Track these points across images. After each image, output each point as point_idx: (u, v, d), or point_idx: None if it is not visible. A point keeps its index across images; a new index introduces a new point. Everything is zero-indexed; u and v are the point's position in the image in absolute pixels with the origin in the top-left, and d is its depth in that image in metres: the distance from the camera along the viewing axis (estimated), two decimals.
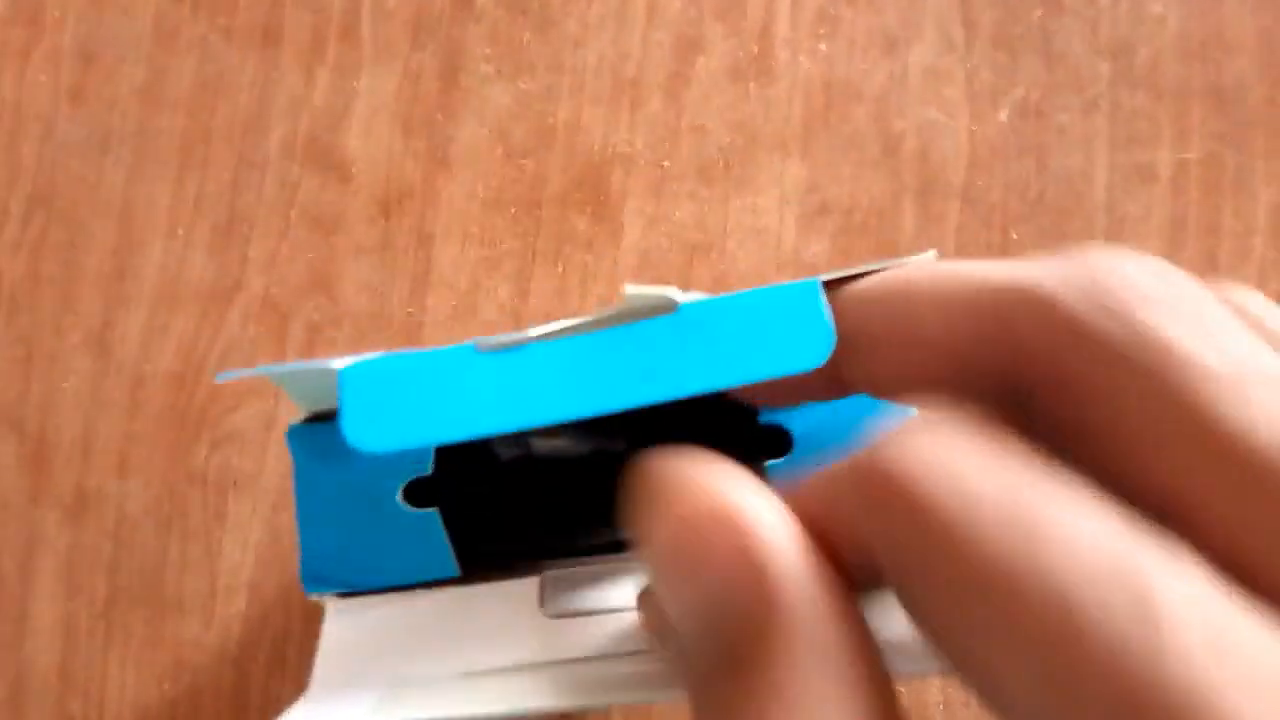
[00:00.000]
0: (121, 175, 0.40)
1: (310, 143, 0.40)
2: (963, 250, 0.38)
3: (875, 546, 0.12)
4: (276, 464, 0.38)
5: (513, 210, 0.39)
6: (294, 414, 0.39)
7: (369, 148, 0.39)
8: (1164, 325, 0.12)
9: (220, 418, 0.39)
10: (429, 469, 0.22)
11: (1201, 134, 0.39)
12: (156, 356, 0.39)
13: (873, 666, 0.12)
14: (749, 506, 0.12)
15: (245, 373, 0.23)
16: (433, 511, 0.21)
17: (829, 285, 0.17)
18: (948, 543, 0.11)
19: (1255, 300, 0.14)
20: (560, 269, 0.39)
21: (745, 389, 0.17)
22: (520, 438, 0.23)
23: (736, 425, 0.21)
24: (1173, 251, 0.38)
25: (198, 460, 0.39)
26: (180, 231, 0.40)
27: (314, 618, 0.38)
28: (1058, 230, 0.38)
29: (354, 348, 0.39)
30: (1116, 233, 0.38)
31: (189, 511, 0.38)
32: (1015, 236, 0.38)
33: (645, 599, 0.16)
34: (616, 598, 0.21)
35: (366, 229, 0.39)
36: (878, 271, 0.17)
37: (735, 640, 0.12)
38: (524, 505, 0.24)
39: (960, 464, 0.11)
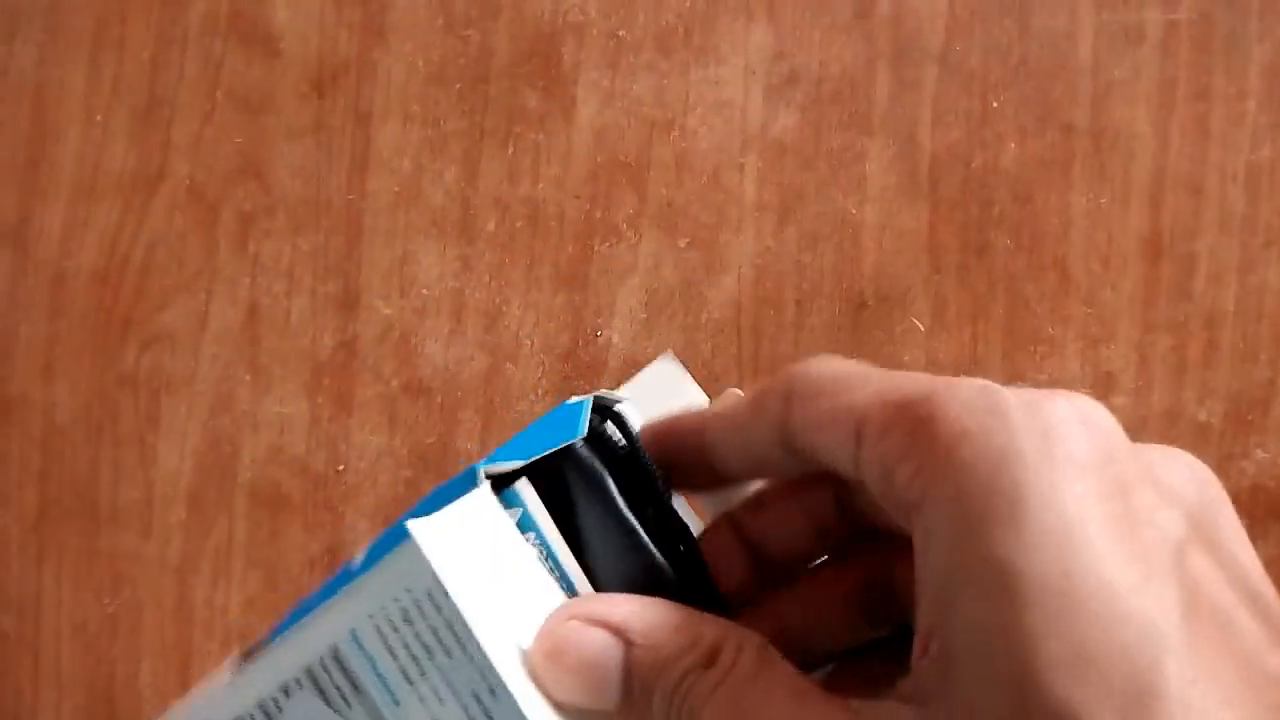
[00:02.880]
0: (31, 56, 0.37)
1: (234, 15, 0.36)
2: (940, 120, 0.36)
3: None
4: (211, 365, 0.36)
5: (457, 86, 0.36)
6: (224, 312, 0.36)
7: (298, 19, 0.36)
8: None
9: (149, 316, 0.36)
10: None
11: None
12: (78, 252, 0.36)
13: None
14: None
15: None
16: None
17: None
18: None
19: (1177, 469, 0.17)
20: (510, 149, 0.36)
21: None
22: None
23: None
24: (1161, 117, 0.36)
25: (127, 362, 0.36)
26: (98, 117, 0.36)
27: (259, 525, 0.36)
28: (1041, 96, 0.36)
29: (291, 238, 0.36)
30: (1103, 96, 0.36)
31: (120, 416, 0.36)
32: (996, 104, 0.36)
33: None
34: None
35: (298, 108, 0.36)
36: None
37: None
38: None
39: None
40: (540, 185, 0.36)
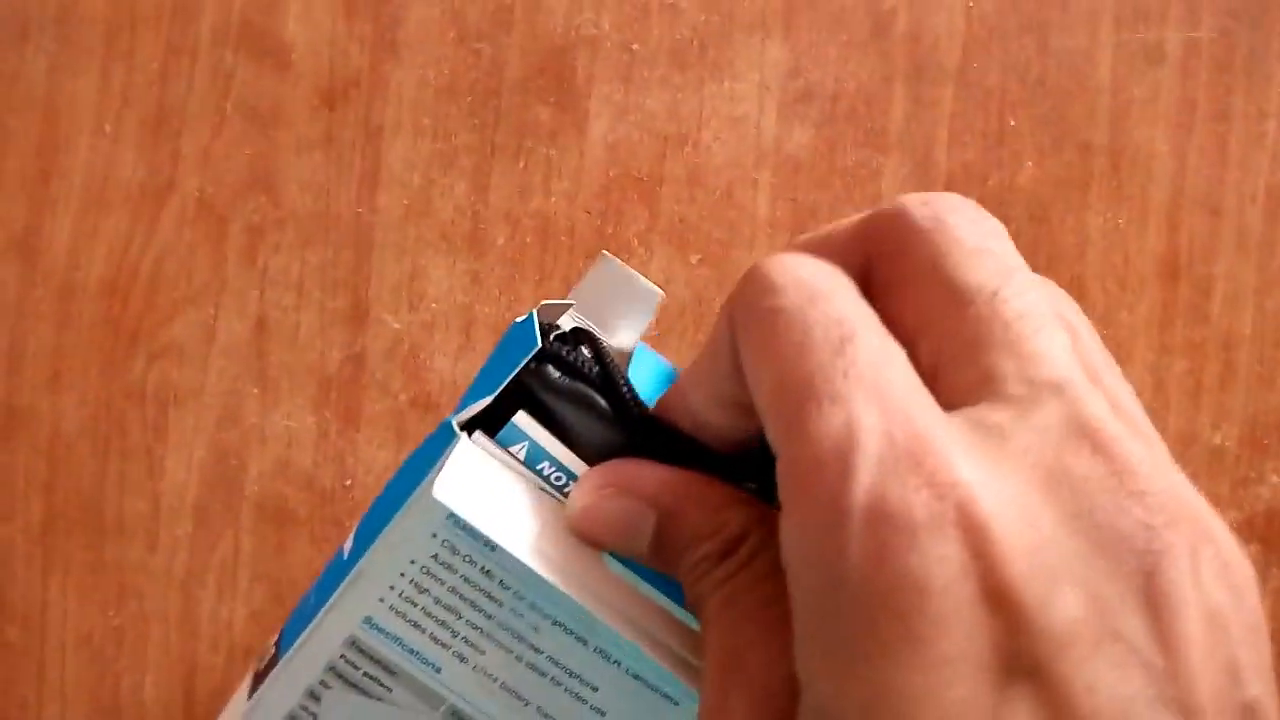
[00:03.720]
0: (42, 66, 0.36)
1: (244, 26, 0.36)
2: (957, 139, 0.35)
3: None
4: (218, 378, 0.36)
5: (468, 99, 0.36)
6: (232, 325, 0.36)
7: (309, 31, 0.36)
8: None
9: (157, 329, 0.36)
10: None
11: (1213, 10, 0.36)
12: (86, 263, 0.36)
13: None
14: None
15: None
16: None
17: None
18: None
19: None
20: (522, 164, 0.36)
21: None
22: None
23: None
24: (1180, 137, 0.35)
25: (134, 374, 0.36)
26: (107, 128, 0.36)
27: (265, 540, 0.36)
28: (1059, 116, 0.36)
29: (300, 252, 0.36)
30: (1121, 116, 0.35)
31: (127, 429, 0.36)
32: (1013, 123, 0.36)
33: None
34: None
35: (309, 121, 0.36)
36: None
37: None
38: None
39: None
40: (551, 200, 0.36)
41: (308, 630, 0.25)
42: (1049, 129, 0.35)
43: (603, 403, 0.22)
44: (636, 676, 0.24)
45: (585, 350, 0.23)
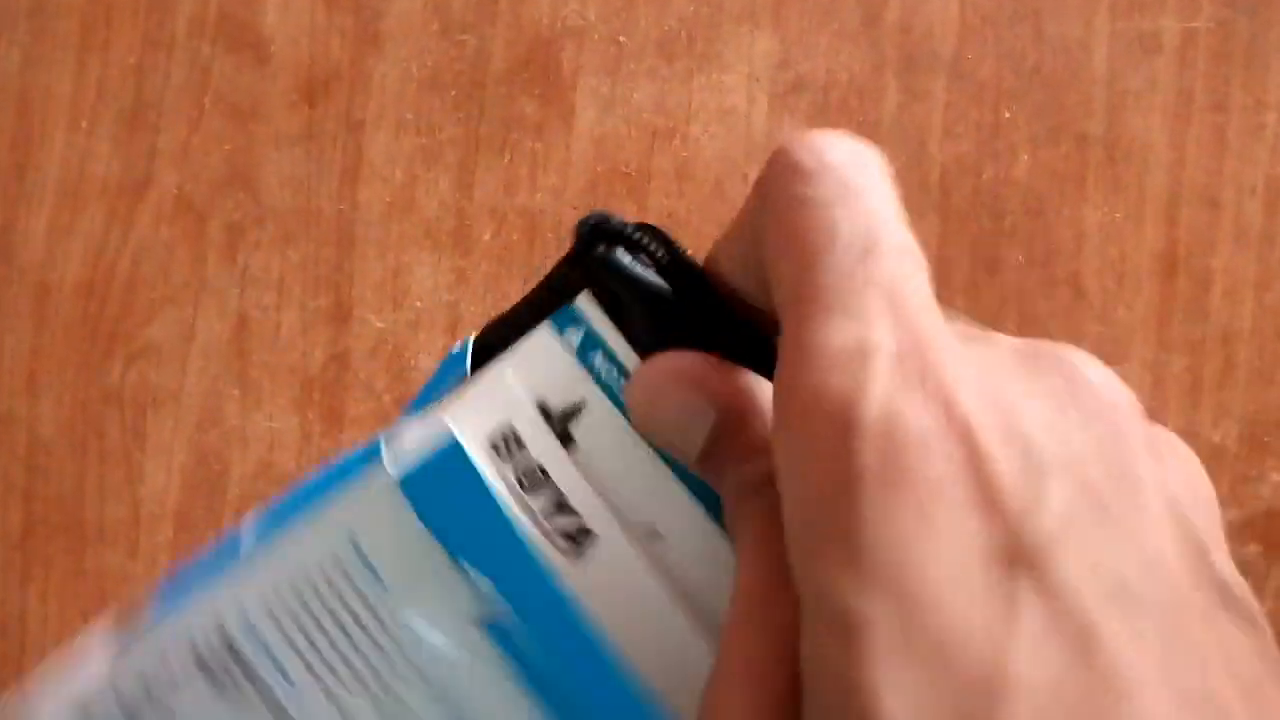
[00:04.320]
0: (16, 60, 0.36)
1: (222, 19, 0.35)
2: (951, 131, 0.35)
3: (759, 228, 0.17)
4: (198, 379, 0.35)
5: (452, 93, 0.35)
6: (212, 325, 0.36)
7: (288, 23, 0.35)
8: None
9: (134, 330, 0.35)
10: None
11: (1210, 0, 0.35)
12: (62, 262, 0.35)
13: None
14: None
15: None
16: None
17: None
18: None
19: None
20: (507, 158, 0.35)
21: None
22: None
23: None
24: (1178, 128, 0.35)
25: (112, 377, 0.35)
26: (83, 123, 0.35)
27: None
28: (1055, 107, 0.35)
29: (280, 249, 0.35)
30: (1118, 107, 0.35)
31: (106, 432, 0.35)
32: (1008, 114, 0.35)
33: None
34: None
35: (288, 116, 0.35)
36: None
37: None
38: None
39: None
40: (538, 195, 0.35)
41: (185, 603, 0.24)
42: (1044, 120, 0.35)
43: (669, 295, 0.21)
44: None
45: (652, 243, 0.22)
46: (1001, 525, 0.14)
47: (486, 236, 0.35)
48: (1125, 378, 0.15)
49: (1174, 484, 0.15)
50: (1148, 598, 0.14)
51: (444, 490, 0.22)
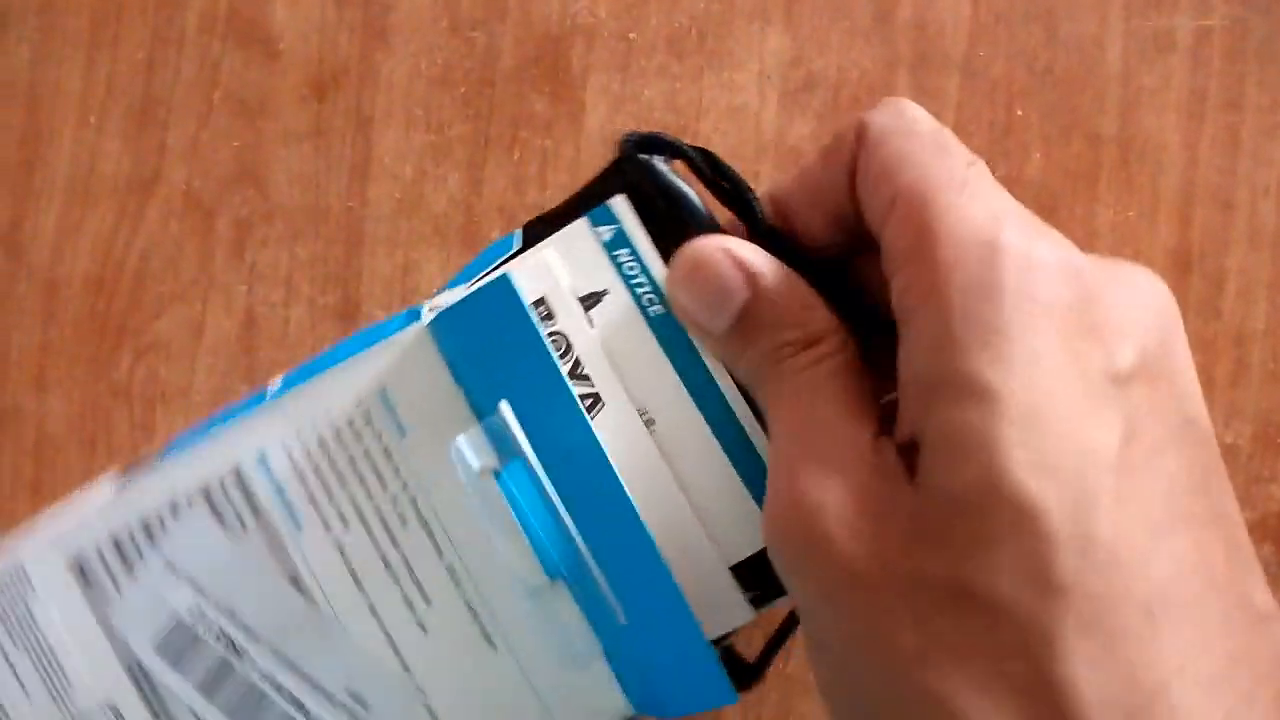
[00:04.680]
0: (25, 55, 0.36)
1: (232, 15, 0.35)
2: (963, 129, 0.35)
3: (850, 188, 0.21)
4: (207, 375, 0.35)
5: (462, 90, 0.35)
6: (220, 322, 0.35)
7: (298, 19, 0.35)
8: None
9: (143, 325, 0.35)
10: None
11: None
12: (71, 258, 0.35)
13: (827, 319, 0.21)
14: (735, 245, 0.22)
15: None
16: None
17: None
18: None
19: None
20: (517, 155, 0.35)
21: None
22: None
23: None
24: (1192, 127, 0.35)
25: (121, 372, 0.35)
26: (92, 118, 0.35)
27: None
28: (1067, 105, 0.35)
29: (289, 246, 0.35)
30: (1131, 106, 0.35)
31: (114, 428, 0.35)
32: (1020, 113, 0.35)
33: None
34: None
35: (297, 112, 0.35)
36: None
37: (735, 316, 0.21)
38: None
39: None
40: (547, 192, 0.35)
41: (199, 443, 0.25)
42: (1057, 119, 0.35)
43: (700, 207, 0.23)
44: (470, 607, 0.24)
45: (697, 155, 0.24)
46: (1102, 349, 0.18)
47: (495, 234, 0.35)
48: None
49: (1199, 388, 0.20)
50: (1191, 440, 0.19)
51: (480, 329, 0.23)
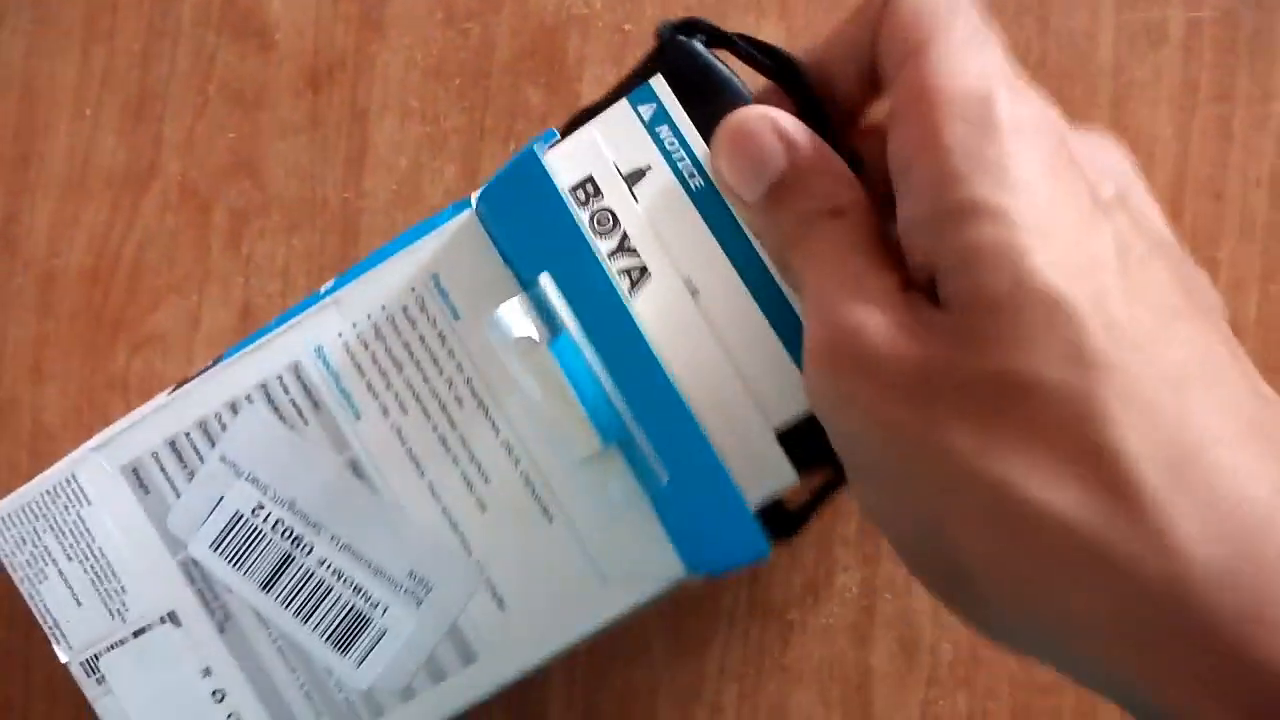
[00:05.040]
0: (20, 48, 0.36)
1: (227, 7, 0.35)
2: None
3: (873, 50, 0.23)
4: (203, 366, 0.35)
5: (457, 81, 0.35)
6: (216, 314, 0.36)
7: (293, 11, 0.35)
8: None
9: (140, 318, 0.35)
10: None
11: None
12: (66, 251, 0.35)
13: (855, 185, 0.22)
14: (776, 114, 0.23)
15: None
16: None
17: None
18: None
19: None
20: (512, 147, 0.35)
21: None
22: None
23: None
24: (1183, 119, 0.35)
25: (117, 365, 0.35)
26: (87, 111, 0.35)
27: None
28: (1060, 96, 0.35)
29: (285, 238, 0.35)
30: (1123, 97, 0.35)
31: (110, 420, 0.35)
32: None
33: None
34: None
35: (293, 104, 0.35)
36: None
37: (774, 182, 0.22)
38: None
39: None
40: None
41: (258, 342, 0.26)
42: None
43: (737, 83, 0.25)
44: (527, 481, 0.25)
45: (739, 38, 0.26)
46: (1085, 181, 0.20)
47: None
48: None
49: (1158, 211, 0.23)
50: (1169, 256, 0.21)
51: (515, 205, 0.24)
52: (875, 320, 0.20)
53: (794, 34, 0.35)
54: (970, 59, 0.20)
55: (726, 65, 0.25)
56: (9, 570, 0.28)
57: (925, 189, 0.20)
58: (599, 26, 0.35)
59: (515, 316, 0.24)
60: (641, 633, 0.34)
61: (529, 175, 0.24)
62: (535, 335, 0.24)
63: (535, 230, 0.24)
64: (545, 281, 0.24)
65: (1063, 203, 0.19)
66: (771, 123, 0.22)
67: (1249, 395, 0.19)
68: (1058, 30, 0.35)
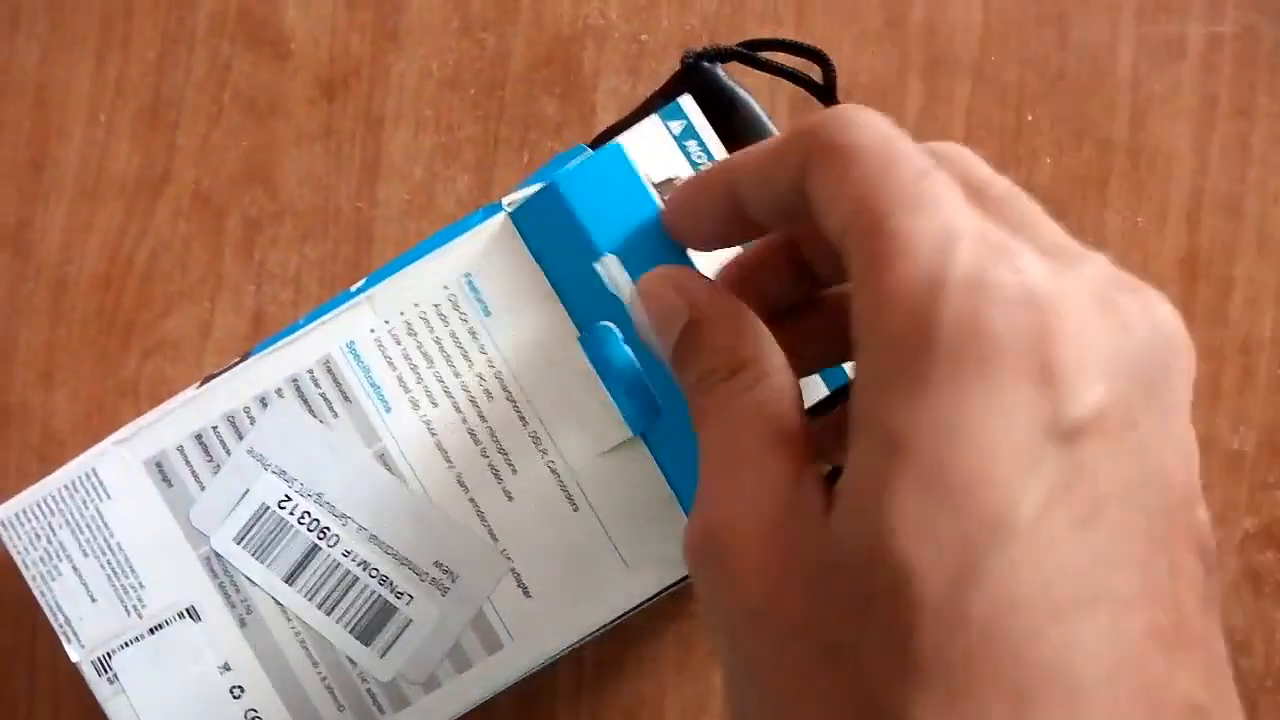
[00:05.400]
0: (35, 55, 0.36)
1: (243, 15, 0.35)
2: (973, 134, 0.35)
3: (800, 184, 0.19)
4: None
5: (472, 91, 0.35)
6: (228, 321, 0.35)
7: (309, 20, 0.35)
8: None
9: (151, 324, 0.35)
10: None
11: (1236, 3, 0.35)
12: (79, 257, 0.35)
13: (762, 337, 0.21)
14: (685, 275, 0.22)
15: None
16: None
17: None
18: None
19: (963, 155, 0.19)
20: (526, 157, 0.35)
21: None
22: None
23: None
24: (1201, 134, 0.35)
25: (128, 370, 0.35)
26: (101, 117, 0.35)
27: None
28: (1078, 111, 0.35)
29: (298, 246, 0.35)
30: (1142, 112, 0.35)
31: (120, 426, 0.35)
32: (1031, 118, 0.35)
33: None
34: None
35: (308, 113, 0.35)
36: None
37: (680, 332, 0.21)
38: None
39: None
40: None
41: (290, 337, 0.26)
42: (1068, 125, 0.35)
43: (755, 108, 0.27)
44: (553, 472, 0.26)
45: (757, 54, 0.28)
46: (1051, 399, 0.16)
47: None
48: None
49: (1189, 439, 0.17)
50: (1146, 505, 0.16)
51: (589, 196, 0.25)
52: (747, 532, 0.18)
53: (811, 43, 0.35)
54: (921, 221, 0.17)
55: (744, 87, 0.27)
56: (20, 568, 0.28)
57: (858, 383, 0.17)
58: (615, 37, 0.35)
59: (614, 273, 0.25)
60: (650, 644, 0.34)
61: (613, 168, 0.25)
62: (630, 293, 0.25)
63: (606, 223, 0.25)
64: (611, 263, 0.25)
65: (988, 437, 0.15)
66: (673, 280, 0.22)
67: (1154, 707, 0.16)
68: (1077, 44, 0.35)
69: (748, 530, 0.18)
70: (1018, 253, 0.16)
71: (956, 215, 0.17)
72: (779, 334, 0.21)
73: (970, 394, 0.16)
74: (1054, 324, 0.16)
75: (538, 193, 0.26)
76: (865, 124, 0.18)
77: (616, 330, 0.25)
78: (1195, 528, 0.17)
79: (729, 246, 0.23)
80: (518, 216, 0.26)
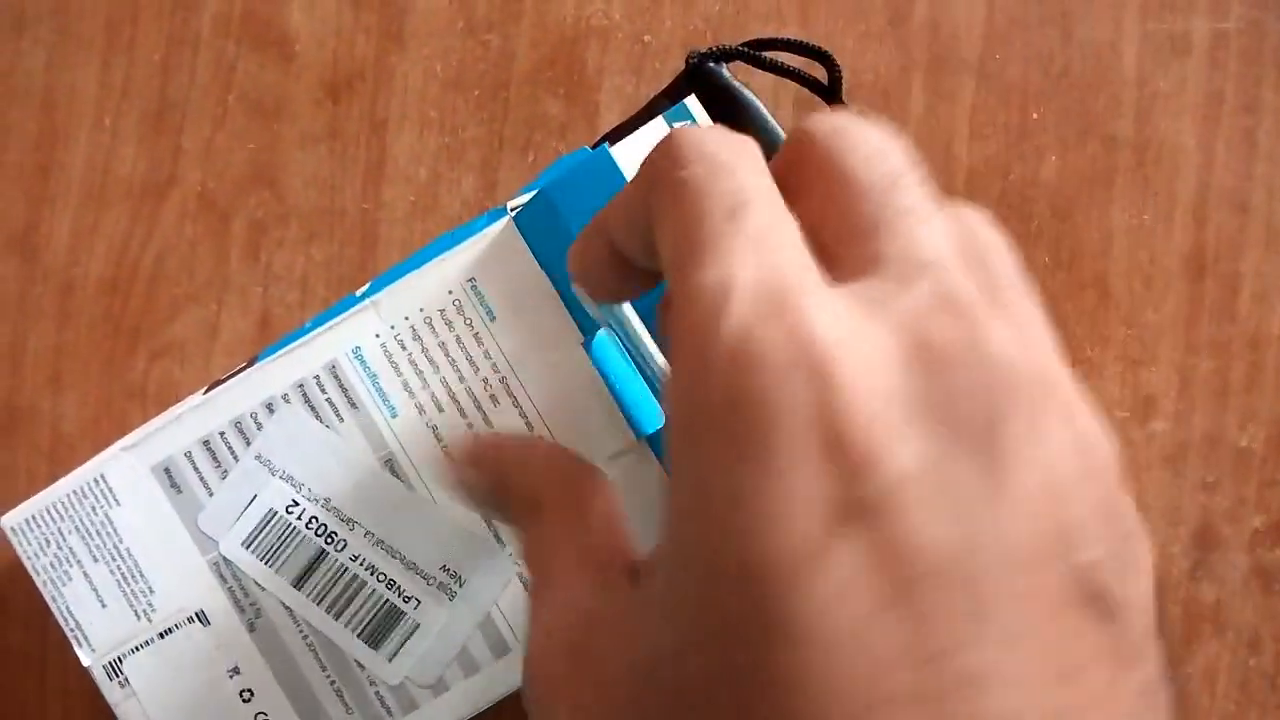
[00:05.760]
0: (41, 58, 0.36)
1: (247, 17, 0.35)
2: (978, 133, 0.35)
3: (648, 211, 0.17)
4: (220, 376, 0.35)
5: (476, 92, 0.35)
6: (235, 323, 0.36)
7: (313, 22, 0.35)
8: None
9: (158, 327, 0.35)
10: None
11: (1241, 0, 0.35)
12: (86, 260, 0.35)
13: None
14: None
15: None
16: None
17: None
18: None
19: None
20: (531, 158, 0.35)
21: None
22: None
23: None
24: (1207, 130, 0.34)
25: (136, 373, 0.35)
26: (107, 121, 0.35)
27: None
28: (1083, 108, 0.35)
29: (304, 248, 0.35)
30: (1147, 109, 0.35)
31: (129, 428, 0.35)
32: (1036, 116, 0.35)
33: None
34: None
35: (313, 115, 0.35)
36: None
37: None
38: None
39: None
40: None
41: (296, 343, 0.27)
42: (1072, 122, 0.35)
43: (761, 109, 0.27)
44: None
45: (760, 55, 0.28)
46: (839, 476, 0.13)
47: None
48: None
49: (1060, 458, 0.14)
50: (980, 571, 0.13)
51: (584, 200, 0.26)
52: (554, 646, 0.17)
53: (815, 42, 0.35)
54: (703, 270, 0.15)
55: (749, 88, 0.27)
56: (31, 573, 0.28)
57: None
58: (619, 38, 0.35)
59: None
60: None
61: (601, 173, 0.25)
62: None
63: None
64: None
65: (765, 522, 0.14)
66: (475, 438, 0.21)
67: None
68: (1081, 41, 0.35)
69: (556, 655, 0.17)
70: (805, 299, 0.14)
71: (739, 263, 0.15)
72: None
73: (744, 481, 0.14)
74: (838, 384, 0.14)
75: (531, 200, 0.26)
76: (696, 154, 0.16)
77: (620, 336, 0.25)
78: (1073, 578, 0.14)
79: (634, 298, 0.21)
80: (521, 221, 0.26)
